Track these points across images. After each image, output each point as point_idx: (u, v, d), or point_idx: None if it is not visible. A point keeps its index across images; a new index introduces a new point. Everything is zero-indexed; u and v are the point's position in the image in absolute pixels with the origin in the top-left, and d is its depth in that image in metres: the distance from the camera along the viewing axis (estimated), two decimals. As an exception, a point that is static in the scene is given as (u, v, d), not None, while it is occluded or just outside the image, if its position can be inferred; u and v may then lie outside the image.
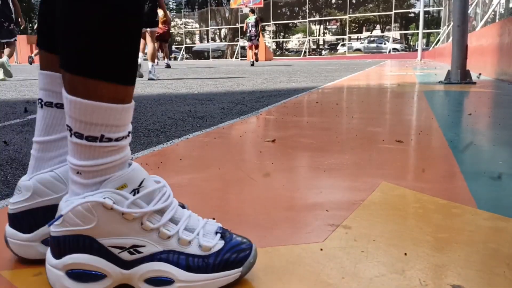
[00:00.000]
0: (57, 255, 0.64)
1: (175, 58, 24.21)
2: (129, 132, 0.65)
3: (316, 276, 0.71)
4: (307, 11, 34.81)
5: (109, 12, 0.58)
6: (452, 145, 1.71)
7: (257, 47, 14.11)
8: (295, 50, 41.10)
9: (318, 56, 33.38)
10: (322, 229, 0.90)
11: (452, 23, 5.80)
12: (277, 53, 36.26)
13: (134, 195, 0.63)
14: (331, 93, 4.23)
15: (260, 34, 14.85)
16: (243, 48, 30.05)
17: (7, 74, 7.24)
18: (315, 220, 0.95)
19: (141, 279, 0.65)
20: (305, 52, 32.56)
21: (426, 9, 27.99)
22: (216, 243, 0.67)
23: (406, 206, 1.04)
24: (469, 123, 2.27)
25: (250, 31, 13.80)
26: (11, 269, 0.74)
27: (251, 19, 13.99)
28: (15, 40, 7.51)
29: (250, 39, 13.88)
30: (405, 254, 0.79)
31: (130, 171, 0.64)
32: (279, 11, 36.27)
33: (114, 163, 0.63)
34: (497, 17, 8.39)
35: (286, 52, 40.39)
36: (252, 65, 13.84)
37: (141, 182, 0.65)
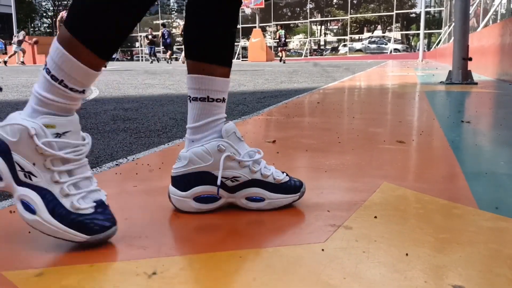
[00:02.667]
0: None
1: (177, 59, 24.24)
2: (84, 90, 0.80)
3: (317, 277, 0.71)
4: (308, 11, 34.80)
5: None
6: (453, 146, 1.71)
7: (285, 50, 21.47)
8: (296, 50, 41.07)
9: (319, 56, 33.37)
10: (323, 229, 0.90)
11: (453, 24, 5.80)
12: (279, 54, 36.20)
13: (55, 138, 0.78)
14: (332, 93, 4.23)
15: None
16: (244, 48, 30.05)
17: None
18: (316, 221, 0.95)
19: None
20: (306, 54, 32.53)
21: (428, 9, 27.97)
22: (86, 208, 0.81)
23: (407, 206, 1.04)
24: (471, 123, 2.26)
25: (282, 40, 20.40)
26: (13, 269, 0.75)
27: (282, 32, 20.47)
28: None
29: (282, 45, 20.75)
30: (406, 254, 0.79)
31: (63, 118, 0.79)
32: (280, 11, 36.26)
33: (60, 105, 0.78)
34: (499, 17, 8.37)
35: (287, 53, 40.36)
36: (284, 62, 20.30)
37: (66, 132, 0.80)
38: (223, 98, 1.00)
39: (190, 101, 0.99)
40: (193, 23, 0.97)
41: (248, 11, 29.24)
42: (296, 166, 1.43)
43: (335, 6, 40.89)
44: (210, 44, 0.97)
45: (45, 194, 0.78)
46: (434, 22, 32.84)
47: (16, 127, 0.77)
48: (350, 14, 31.81)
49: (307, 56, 31.46)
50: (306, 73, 9.47)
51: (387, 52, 29.98)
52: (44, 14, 52.42)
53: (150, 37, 20.32)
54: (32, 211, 0.78)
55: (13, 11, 22.78)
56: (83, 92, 0.80)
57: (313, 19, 36.62)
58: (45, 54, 23.52)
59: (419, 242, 0.84)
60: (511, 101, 3.33)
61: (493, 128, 2.12)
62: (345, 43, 34.37)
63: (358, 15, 36.99)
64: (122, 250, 0.81)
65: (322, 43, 43.84)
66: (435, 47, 22.94)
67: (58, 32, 0.78)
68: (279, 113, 2.81)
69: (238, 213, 1.00)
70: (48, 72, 0.77)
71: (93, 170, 1.44)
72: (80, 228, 0.78)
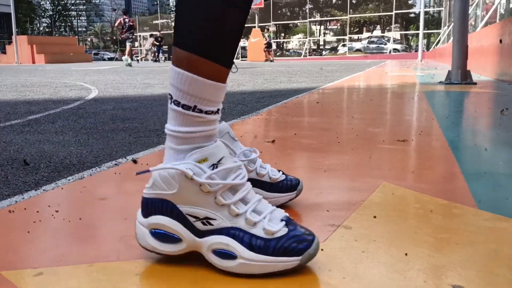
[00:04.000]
0: (145, 214, 0.75)
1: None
2: (218, 109, 0.73)
3: (316, 276, 0.71)
4: (307, 11, 34.79)
5: (217, 1, 0.68)
6: (453, 146, 1.71)
7: (271, 52, 22.74)
8: (295, 50, 41.06)
9: (318, 56, 33.37)
10: (323, 229, 0.90)
11: (452, 24, 5.80)
12: (278, 54, 36.24)
13: (213, 169, 0.71)
14: (332, 93, 4.23)
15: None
16: (243, 48, 30.03)
17: None
18: (315, 221, 0.95)
19: (209, 249, 0.72)
20: (305, 54, 32.54)
21: (427, 9, 27.98)
22: (279, 229, 0.71)
23: (407, 206, 1.04)
24: (470, 124, 2.27)
25: (268, 41, 21.69)
26: (12, 269, 0.75)
27: (268, 34, 21.42)
28: None
29: (268, 47, 21.72)
30: (406, 254, 0.79)
31: (212, 147, 0.72)
32: (279, 11, 36.24)
33: (201, 133, 0.72)
34: (498, 17, 8.38)
35: (286, 53, 40.38)
36: (272, 61, 21.81)
37: (221, 159, 0.72)
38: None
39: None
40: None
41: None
42: (295, 166, 1.43)
43: (335, 6, 40.89)
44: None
45: (234, 233, 0.71)
46: (433, 22, 32.86)
47: (170, 177, 0.71)
48: (350, 14, 31.80)
49: (306, 56, 31.45)
50: (305, 73, 9.48)
51: (386, 52, 29.97)
52: (43, 14, 52.35)
53: (159, 39, 21.60)
54: (231, 256, 0.70)
55: (12, 10, 22.73)
56: (218, 112, 0.73)
57: (312, 19, 36.60)
58: (44, 54, 23.49)
59: (418, 242, 0.84)
60: (510, 101, 3.34)
61: (492, 128, 2.12)
62: (344, 43, 34.37)
63: (358, 15, 36.98)
64: (122, 250, 0.81)
65: (321, 43, 43.84)
66: (434, 47, 22.96)
67: (171, 63, 0.72)
68: (278, 113, 2.81)
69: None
70: (178, 103, 0.71)
71: (92, 170, 1.44)
72: (287, 253, 0.70)
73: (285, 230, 0.71)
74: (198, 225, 0.72)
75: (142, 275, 0.72)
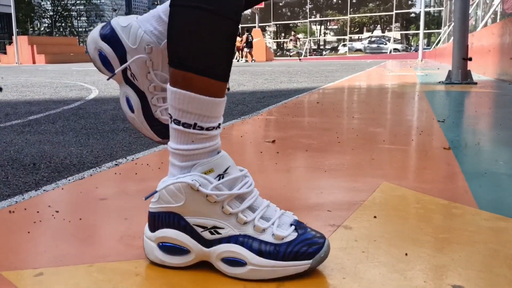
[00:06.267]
0: (152, 228, 0.75)
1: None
2: (219, 124, 0.73)
3: (316, 277, 0.71)
4: (308, 11, 34.79)
5: (207, 15, 0.67)
6: (453, 145, 1.71)
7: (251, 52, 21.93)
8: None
9: (319, 56, 33.36)
10: (323, 229, 0.90)
11: (452, 23, 5.80)
12: (278, 54, 36.24)
13: (219, 180, 0.71)
14: (332, 93, 4.23)
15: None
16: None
17: None
18: (316, 221, 0.95)
19: (218, 258, 0.72)
20: (306, 54, 32.53)
21: (427, 9, 27.97)
22: (289, 234, 0.72)
23: (407, 206, 1.04)
24: (470, 123, 2.26)
25: (248, 42, 21.03)
26: (12, 270, 0.75)
27: (246, 35, 20.85)
28: None
29: (249, 47, 21.20)
30: (406, 254, 0.79)
31: (217, 158, 0.72)
32: (279, 11, 36.26)
33: (204, 150, 0.72)
34: (498, 17, 8.38)
35: (286, 53, 40.36)
36: (254, 61, 20.95)
37: (226, 169, 0.73)
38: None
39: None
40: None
41: (247, 11, 29.23)
42: (295, 166, 1.43)
43: (335, 6, 40.88)
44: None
45: (243, 240, 0.71)
46: (433, 21, 32.85)
47: (176, 190, 0.71)
48: (350, 14, 31.79)
49: (306, 56, 31.44)
50: (306, 73, 9.48)
51: (386, 52, 29.97)
52: (44, 14, 52.39)
53: None
54: (240, 263, 0.71)
55: (12, 11, 22.76)
56: (219, 126, 0.73)
57: (312, 19, 36.60)
58: (44, 54, 23.45)
59: (418, 242, 0.84)
60: (510, 101, 3.33)
61: (493, 128, 2.12)
62: (345, 43, 34.37)
63: (358, 15, 36.96)
64: (121, 250, 0.81)
65: (321, 42, 43.83)
66: (434, 47, 22.95)
67: (168, 83, 0.72)
68: (278, 113, 2.81)
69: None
70: (178, 122, 0.71)
71: (92, 170, 1.44)
72: (297, 257, 0.70)
73: (294, 235, 0.72)
74: (206, 234, 0.72)
75: (142, 275, 0.72)
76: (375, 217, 0.96)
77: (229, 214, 0.71)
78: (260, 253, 0.70)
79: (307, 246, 0.70)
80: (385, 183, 1.22)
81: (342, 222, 0.94)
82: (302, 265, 0.70)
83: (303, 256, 0.70)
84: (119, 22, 0.86)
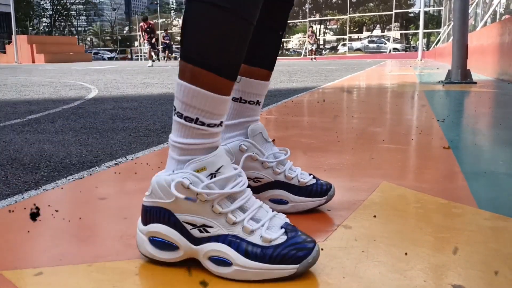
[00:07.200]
0: (144, 222, 0.76)
1: (176, 58, 24.25)
2: (221, 122, 0.73)
3: (316, 276, 0.71)
4: (307, 11, 34.78)
5: (223, 14, 0.67)
6: (453, 145, 1.71)
7: None
8: (295, 50, 41.06)
9: (318, 55, 33.36)
10: (323, 229, 0.90)
11: (452, 23, 5.80)
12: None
13: (211, 178, 0.71)
14: (332, 93, 4.23)
15: None
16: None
17: None
18: (316, 220, 0.95)
19: (206, 256, 0.72)
20: (305, 53, 32.52)
21: (426, 9, 27.97)
22: (278, 237, 0.71)
23: (407, 206, 1.04)
24: (470, 123, 2.27)
25: None
26: (12, 269, 0.74)
27: None
28: None
29: None
30: (406, 254, 0.79)
31: (211, 156, 0.72)
32: (279, 11, 36.09)
33: (203, 146, 0.72)
34: (498, 17, 8.38)
35: (286, 52, 40.38)
36: None
37: (219, 168, 0.72)
38: (257, 100, 0.95)
39: None
40: None
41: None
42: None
43: (334, 5, 40.88)
44: (251, 45, 0.84)
45: (230, 240, 0.71)
46: (433, 21, 32.86)
47: (167, 186, 0.72)
48: (349, 13, 31.77)
49: (306, 56, 31.42)
50: (305, 72, 9.48)
51: (386, 52, 29.97)
52: (43, 14, 52.37)
53: (167, 40, 21.27)
54: (226, 263, 0.70)
55: (12, 10, 22.73)
56: (221, 124, 0.74)
57: (312, 18, 36.59)
58: (44, 54, 23.49)
59: (418, 241, 0.84)
60: (510, 101, 3.34)
61: (492, 128, 2.12)
62: (344, 42, 34.37)
63: (358, 15, 36.95)
64: (121, 250, 0.81)
65: (321, 42, 43.84)
66: (434, 47, 22.95)
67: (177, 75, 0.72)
68: (278, 112, 2.80)
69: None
70: (180, 115, 0.71)
71: (91, 170, 1.44)
72: (284, 261, 0.69)
73: (283, 238, 0.71)
74: (195, 232, 0.72)
75: (142, 275, 0.72)
76: (375, 216, 0.96)
77: (218, 213, 0.71)
78: (246, 254, 0.70)
79: (296, 250, 0.70)
80: (384, 182, 1.22)
81: (342, 221, 0.94)
82: (288, 269, 0.69)
83: (290, 260, 0.69)
84: None
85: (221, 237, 0.71)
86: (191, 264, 0.74)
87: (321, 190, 0.98)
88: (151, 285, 0.69)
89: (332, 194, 0.99)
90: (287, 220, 0.75)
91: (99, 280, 0.71)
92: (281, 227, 0.73)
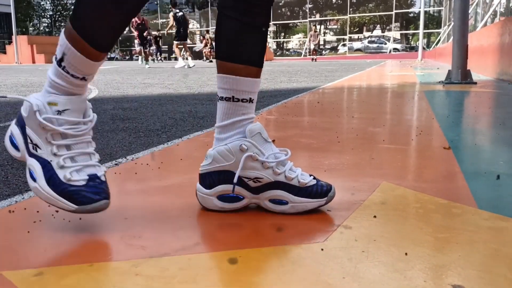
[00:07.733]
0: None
1: (176, 59, 24.26)
2: (84, 77, 0.88)
3: (316, 276, 0.71)
4: (308, 11, 34.78)
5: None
6: (453, 145, 1.71)
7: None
8: (295, 50, 41.07)
9: (318, 56, 33.37)
10: (323, 229, 0.90)
11: (452, 23, 5.80)
12: (278, 53, 36.23)
13: (58, 114, 0.87)
14: (332, 93, 4.23)
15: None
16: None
17: None
18: (316, 220, 0.95)
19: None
20: (305, 54, 32.53)
21: (427, 9, 27.97)
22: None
23: (407, 206, 1.04)
24: (470, 123, 2.27)
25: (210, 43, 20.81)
26: (12, 269, 0.75)
27: (209, 36, 21.15)
28: None
29: (211, 49, 20.84)
30: (406, 254, 0.79)
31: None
32: (279, 11, 36.24)
33: (63, 88, 0.88)
34: (498, 16, 8.38)
35: (286, 52, 40.39)
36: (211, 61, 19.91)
37: (65, 110, 0.88)
38: (250, 98, 0.99)
39: (218, 100, 1.00)
40: (221, 23, 0.98)
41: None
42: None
43: (334, 5, 40.89)
44: (235, 43, 0.97)
45: (46, 165, 0.87)
46: (433, 21, 32.86)
47: (27, 104, 0.89)
48: (350, 14, 31.78)
49: (306, 56, 31.41)
50: (305, 72, 9.48)
51: (386, 52, 29.98)
52: (43, 14, 52.40)
53: (158, 39, 21.14)
54: (34, 179, 0.88)
55: (12, 10, 22.74)
56: (84, 79, 0.88)
57: (312, 19, 36.59)
58: (44, 54, 23.36)
59: (418, 241, 0.84)
60: (510, 101, 3.34)
61: (492, 128, 2.12)
62: (345, 42, 34.37)
63: (358, 15, 36.96)
64: (121, 250, 0.81)
65: (321, 42, 43.83)
66: (434, 47, 22.94)
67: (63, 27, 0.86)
68: (278, 112, 2.81)
69: (238, 212, 1.00)
70: (55, 58, 0.87)
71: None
72: (69, 198, 0.85)
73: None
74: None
75: (142, 275, 0.72)
76: (375, 216, 0.96)
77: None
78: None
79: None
80: (384, 182, 1.22)
81: (342, 221, 0.94)
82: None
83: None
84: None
85: (41, 159, 0.88)
86: (192, 264, 0.74)
87: (321, 191, 0.99)
88: (151, 286, 0.69)
89: (332, 195, 1.00)
90: (100, 174, 0.91)
91: (99, 280, 0.71)
92: (88, 175, 0.88)
